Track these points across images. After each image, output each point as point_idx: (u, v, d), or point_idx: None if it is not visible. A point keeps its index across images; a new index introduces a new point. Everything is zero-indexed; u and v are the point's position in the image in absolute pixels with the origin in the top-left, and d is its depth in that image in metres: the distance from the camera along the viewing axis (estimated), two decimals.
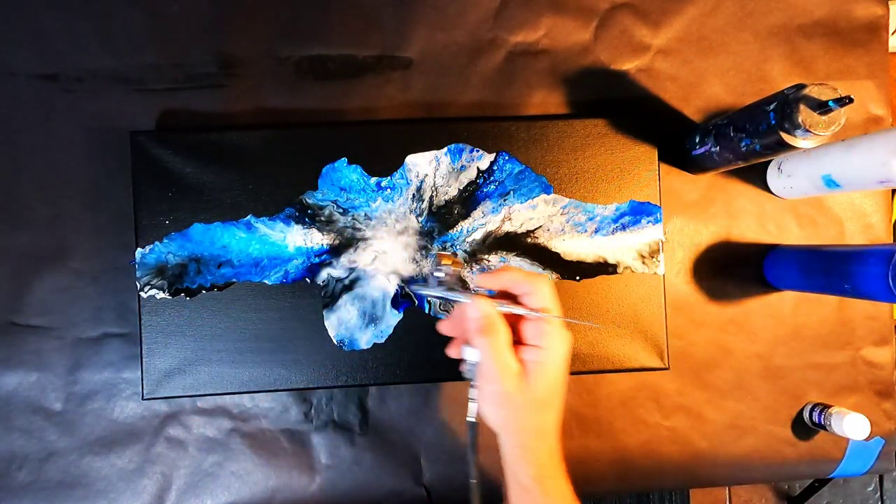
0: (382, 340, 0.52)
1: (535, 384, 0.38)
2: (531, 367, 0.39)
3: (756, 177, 0.57)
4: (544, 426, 0.40)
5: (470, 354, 0.40)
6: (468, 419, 0.40)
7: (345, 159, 0.52)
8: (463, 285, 0.43)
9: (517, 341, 0.40)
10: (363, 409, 0.55)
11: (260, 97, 0.54)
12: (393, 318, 0.52)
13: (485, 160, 0.53)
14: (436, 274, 0.43)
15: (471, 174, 0.53)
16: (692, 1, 0.57)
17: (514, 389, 0.38)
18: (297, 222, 0.52)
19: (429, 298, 0.49)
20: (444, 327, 0.44)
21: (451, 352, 0.43)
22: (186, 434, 0.54)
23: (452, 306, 0.44)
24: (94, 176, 0.53)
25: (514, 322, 0.40)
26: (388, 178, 0.52)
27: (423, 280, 0.51)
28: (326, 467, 0.55)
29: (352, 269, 0.52)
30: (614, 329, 0.53)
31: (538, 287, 0.39)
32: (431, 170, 0.52)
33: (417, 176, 0.52)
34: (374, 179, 0.52)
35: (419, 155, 0.52)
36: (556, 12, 0.56)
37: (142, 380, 0.51)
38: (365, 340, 0.52)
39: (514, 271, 0.41)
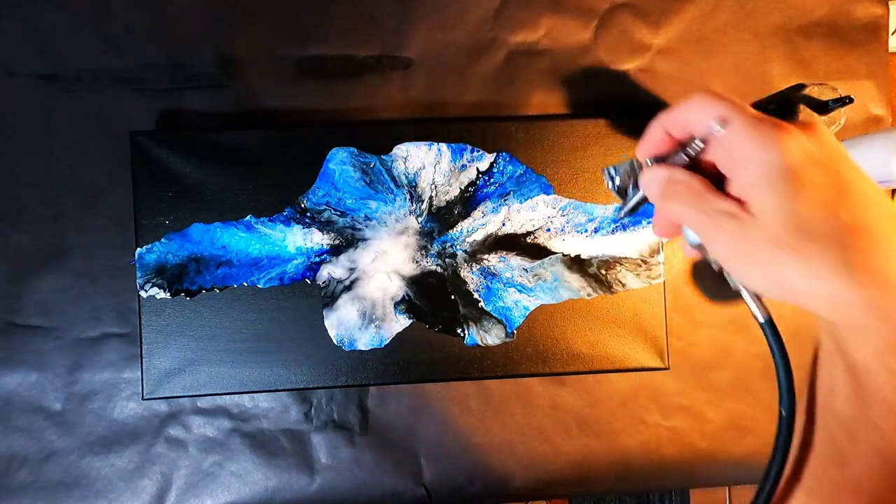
0: (382, 346, 0.52)
1: (761, 209, 0.27)
2: (747, 195, 0.28)
3: None
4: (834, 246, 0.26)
5: (689, 235, 0.32)
6: (758, 319, 0.32)
7: (336, 149, 0.51)
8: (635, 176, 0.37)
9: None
10: (363, 409, 0.55)
11: (260, 97, 0.54)
12: (397, 325, 0.52)
13: (485, 161, 0.53)
14: (610, 183, 0.36)
15: (471, 174, 0.53)
16: (692, 1, 0.57)
17: (739, 229, 0.28)
18: (297, 222, 0.52)
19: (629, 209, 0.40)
20: (656, 230, 0.36)
21: (687, 250, 0.34)
22: (186, 434, 0.54)
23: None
24: (94, 176, 0.53)
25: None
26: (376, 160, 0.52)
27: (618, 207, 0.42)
28: (326, 467, 0.55)
29: (352, 269, 0.52)
30: (614, 329, 0.53)
31: (689, 110, 0.31)
32: (432, 160, 0.52)
33: (414, 166, 0.52)
34: (360, 174, 0.52)
35: (413, 145, 0.52)
36: (556, 12, 0.56)
37: (142, 380, 0.51)
38: (364, 341, 0.52)
39: (656, 121, 0.33)
